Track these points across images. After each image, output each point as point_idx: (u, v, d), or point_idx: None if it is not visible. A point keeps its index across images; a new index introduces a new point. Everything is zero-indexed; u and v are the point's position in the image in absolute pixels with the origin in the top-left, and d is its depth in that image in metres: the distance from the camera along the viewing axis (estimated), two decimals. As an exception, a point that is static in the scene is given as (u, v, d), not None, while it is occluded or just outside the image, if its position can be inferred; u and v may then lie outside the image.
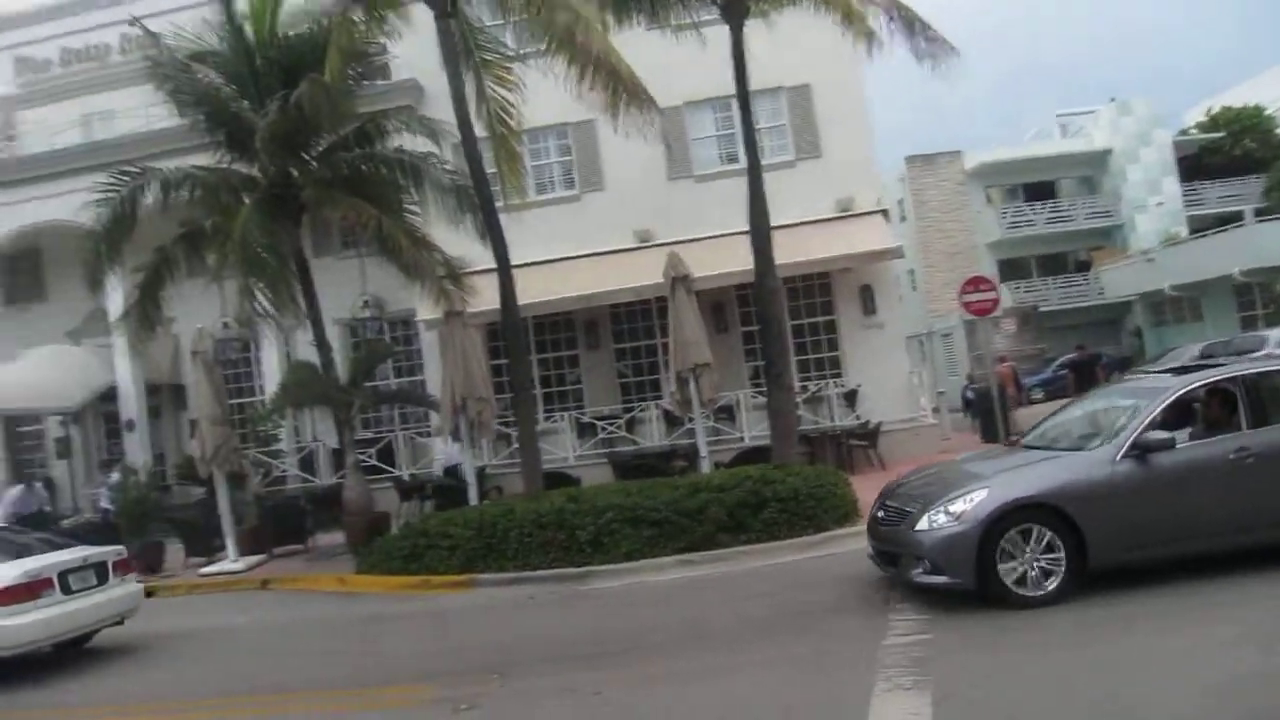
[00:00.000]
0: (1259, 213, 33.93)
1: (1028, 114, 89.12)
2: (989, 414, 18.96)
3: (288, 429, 20.35)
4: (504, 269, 12.98)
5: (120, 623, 9.92)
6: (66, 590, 9.05)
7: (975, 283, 17.93)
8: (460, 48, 13.01)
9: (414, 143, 15.45)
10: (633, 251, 18.90)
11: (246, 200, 14.06)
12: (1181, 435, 7.70)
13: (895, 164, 40.82)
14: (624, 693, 6.38)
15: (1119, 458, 7.35)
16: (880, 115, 68.87)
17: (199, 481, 16.92)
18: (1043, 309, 35.70)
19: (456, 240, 15.42)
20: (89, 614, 9.28)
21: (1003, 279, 36.05)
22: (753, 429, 17.69)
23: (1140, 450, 7.34)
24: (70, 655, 9.67)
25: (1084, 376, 24.67)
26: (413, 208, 15.36)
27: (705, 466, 13.53)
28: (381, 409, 20.09)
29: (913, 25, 12.60)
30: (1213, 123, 41.92)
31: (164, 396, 22.34)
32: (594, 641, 7.93)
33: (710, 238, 17.70)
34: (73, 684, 8.62)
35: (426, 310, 16.96)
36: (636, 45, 12.89)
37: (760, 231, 12.75)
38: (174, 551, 15.52)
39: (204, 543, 15.29)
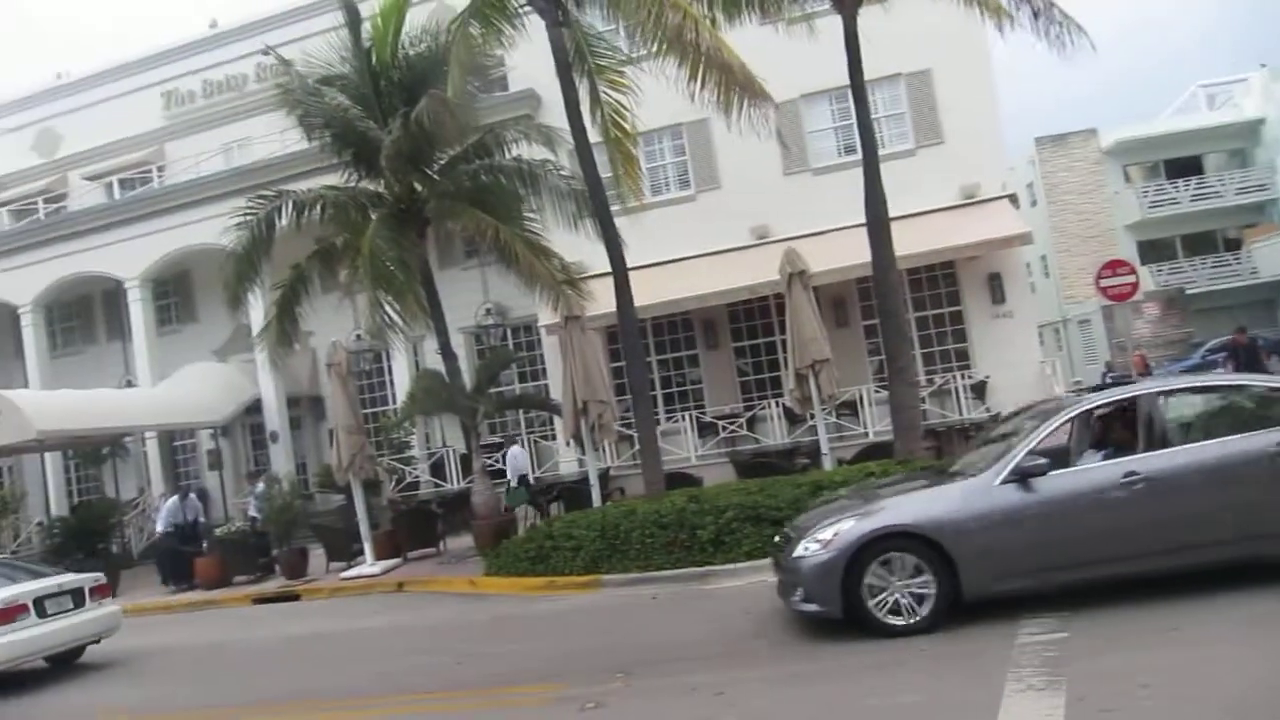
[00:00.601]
0: None
1: (1167, 86, 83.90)
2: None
3: (418, 436, 21.07)
4: (620, 272, 13.08)
5: (97, 641, 10.97)
6: (42, 614, 10.14)
7: (1113, 266, 17.05)
8: (573, 55, 13.20)
9: (531, 151, 15.80)
10: (750, 249, 18.78)
11: (374, 216, 14.64)
12: (1095, 458, 7.35)
13: (1024, 146, 39.23)
14: (746, 693, 6.32)
15: (998, 484, 7.12)
16: (1006, 95, 66.28)
17: (337, 489, 17.70)
18: (1189, 291, 33.62)
19: (575, 244, 15.68)
20: (65, 634, 10.38)
21: (1143, 261, 34.21)
22: (876, 424, 17.29)
23: (1019, 476, 7.07)
24: (198, 657, 10.25)
25: (1246, 363, 22.75)
26: (531, 215, 15.67)
27: (827, 463, 13.30)
28: (506, 414, 20.57)
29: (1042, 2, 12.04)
30: (1381, 83, 38.56)
31: (304, 408, 23.50)
32: (716, 641, 7.88)
33: (828, 231, 17.42)
34: (222, 682, 9.14)
35: (547, 315, 17.27)
36: (749, 41, 12.78)
37: (878, 223, 12.43)
38: (316, 557, 16.23)
39: (344, 548, 15.94)
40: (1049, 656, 6.05)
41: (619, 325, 13.72)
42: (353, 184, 15.58)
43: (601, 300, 14.94)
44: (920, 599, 6.99)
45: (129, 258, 22.70)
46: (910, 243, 15.09)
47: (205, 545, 16.99)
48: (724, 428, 18.71)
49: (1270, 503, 6.83)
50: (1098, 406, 7.64)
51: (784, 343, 15.95)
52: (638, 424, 13.43)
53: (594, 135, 13.23)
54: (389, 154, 13.97)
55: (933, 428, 16.16)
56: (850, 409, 17.99)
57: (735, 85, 11.73)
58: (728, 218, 19.12)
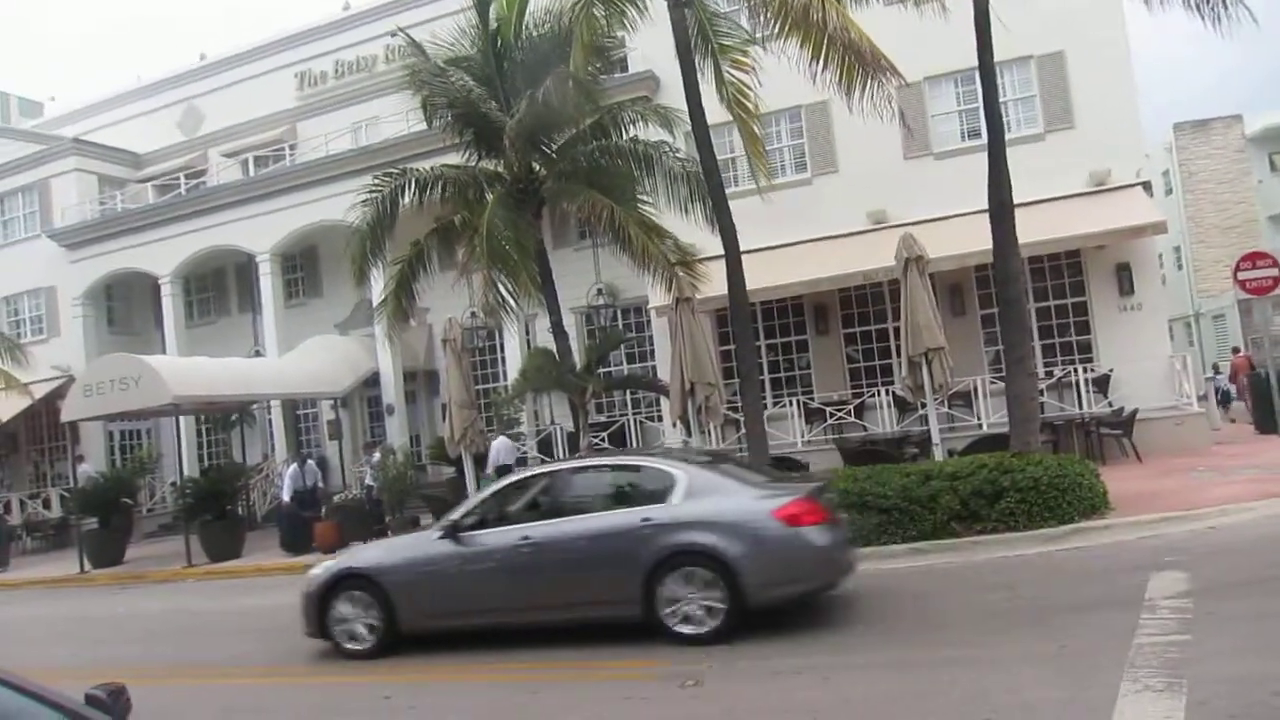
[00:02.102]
0: None
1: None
2: (1265, 402, 17.16)
3: (527, 413, 21.51)
4: (732, 255, 13.05)
5: None
6: None
7: (1253, 258, 16.18)
8: (694, 35, 13.18)
9: (647, 133, 15.87)
10: (866, 234, 18.44)
11: (491, 196, 14.98)
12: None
13: (1161, 132, 37.33)
14: (852, 677, 6.32)
15: (436, 537, 8.55)
16: (1146, 80, 62.94)
17: (449, 461, 18.25)
18: (1340, 287, 31.42)
19: (687, 228, 15.70)
20: None
21: (1288, 254, 32.11)
22: (991, 416, 16.81)
23: (450, 532, 8.44)
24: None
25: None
26: (644, 197, 15.77)
27: (938, 454, 13.04)
28: (614, 394, 20.80)
29: None
30: None
31: (419, 382, 24.27)
32: (824, 629, 7.84)
33: (948, 217, 16.96)
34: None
35: (657, 297, 17.37)
36: (874, 21, 12.50)
37: (1001, 207, 12.04)
38: (427, 525, 16.66)
39: (454, 517, 16.40)
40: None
41: (730, 308, 13.69)
42: (472, 164, 15.97)
43: (713, 283, 14.93)
44: (372, 628, 8.50)
45: (261, 232, 23.81)
46: (1034, 230, 14.58)
47: (324, 511, 17.77)
48: (831, 414, 18.50)
49: (626, 571, 7.62)
50: (526, 478, 9.15)
51: (896, 330, 15.69)
52: (744, 407, 13.41)
53: (711, 118, 13.19)
54: (511, 134, 14.25)
55: (1050, 421, 15.62)
56: (964, 399, 17.54)
57: (860, 65, 11.48)
58: (844, 202, 18.81)
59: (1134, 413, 16.12)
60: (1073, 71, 17.89)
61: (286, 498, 18.21)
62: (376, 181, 15.86)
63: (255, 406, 24.62)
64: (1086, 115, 17.74)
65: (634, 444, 20.04)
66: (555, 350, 15.81)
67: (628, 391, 20.86)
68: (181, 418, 23.32)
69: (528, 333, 21.40)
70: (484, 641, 8.31)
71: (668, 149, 15.33)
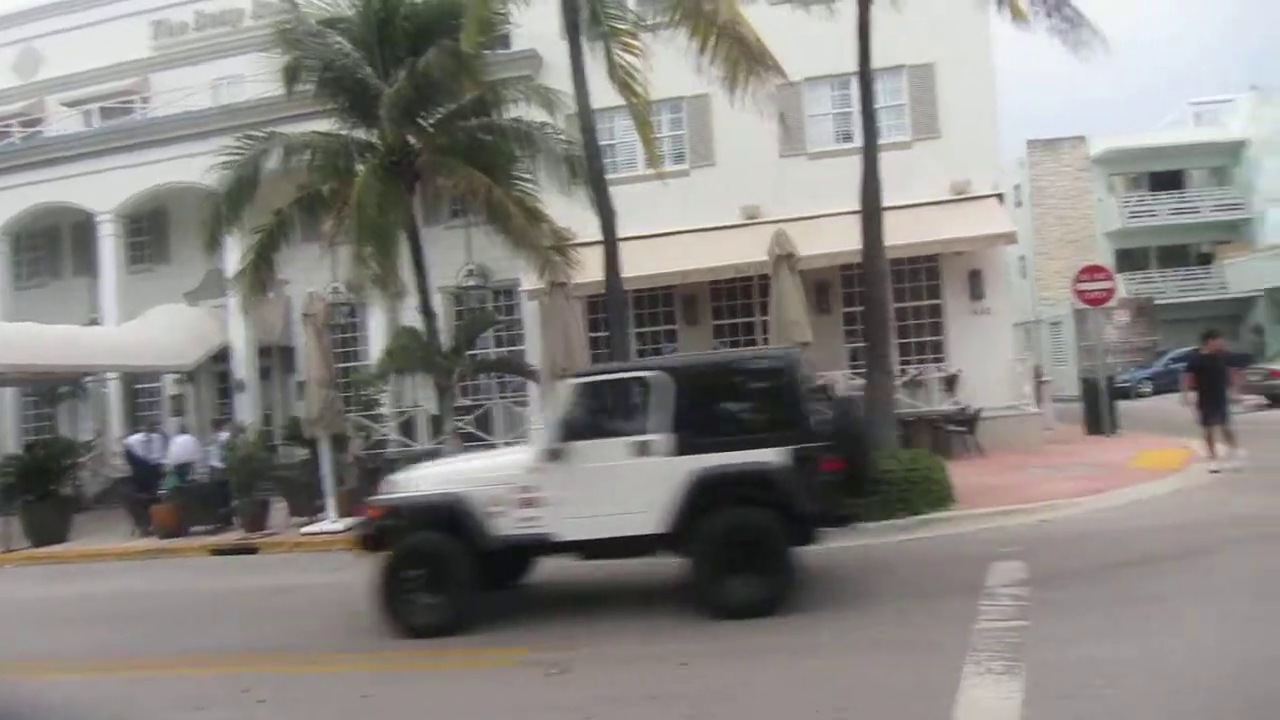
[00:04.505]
0: None
1: (1163, 100, 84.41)
2: (1094, 406, 18.49)
3: (390, 394, 20.92)
4: (610, 241, 13.02)
5: None
6: None
7: (1091, 271, 17.33)
8: (585, 16, 13.02)
9: (530, 113, 15.62)
10: (739, 228, 18.74)
11: (363, 167, 14.44)
12: None
13: (1015, 147, 39.50)
14: (710, 665, 6.42)
15: None
16: (1007, 98, 66.38)
17: (304, 442, 17.51)
18: (1159, 301, 34.16)
19: (564, 212, 15.55)
20: None
21: (1119, 269, 34.61)
22: (849, 412, 17.38)
23: None
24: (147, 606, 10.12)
25: (1209, 381, 14.17)
26: (525, 177, 15.51)
27: (801, 447, 13.36)
28: (481, 378, 20.47)
29: (1060, 5, 12.08)
30: (1361, 114, 39.21)
31: (274, 358, 23.16)
32: (683, 616, 7.89)
33: (819, 217, 17.40)
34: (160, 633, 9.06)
35: (530, 280, 17.17)
36: (759, 19, 12.67)
37: (871, 211, 12.46)
38: (278, 510, 16.02)
39: (307, 502, 15.72)
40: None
41: (606, 295, 13.65)
42: (344, 132, 15.34)
43: (587, 268, 14.85)
44: None
45: (104, 190, 22.14)
46: (899, 234, 15.09)
47: (161, 493, 16.69)
48: (698, 405, 18.72)
49: None
50: None
51: (765, 324, 16.02)
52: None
53: (601, 102, 13.08)
54: (389, 104, 13.74)
55: (902, 417, 16.29)
56: (824, 394, 18.06)
57: (746, 60, 11.65)
58: (720, 196, 19.07)
59: (979, 411, 17.03)
60: (941, 84, 18.68)
61: (171, 465, 17.02)
62: (238, 143, 15.01)
63: (89, 379, 22.99)
64: (951, 127, 18.57)
65: (502, 429, 19.77)
66: (423, 330, 15.42)
67: (495, 375, 20.57)
68: (4, 389, 21.54)
69: (394, 311, 20.77)
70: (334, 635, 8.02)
71: (550, 130, 15.12)
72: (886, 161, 13.44)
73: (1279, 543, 8.87)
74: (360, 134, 15.26)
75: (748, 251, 16.46)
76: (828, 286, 18.96)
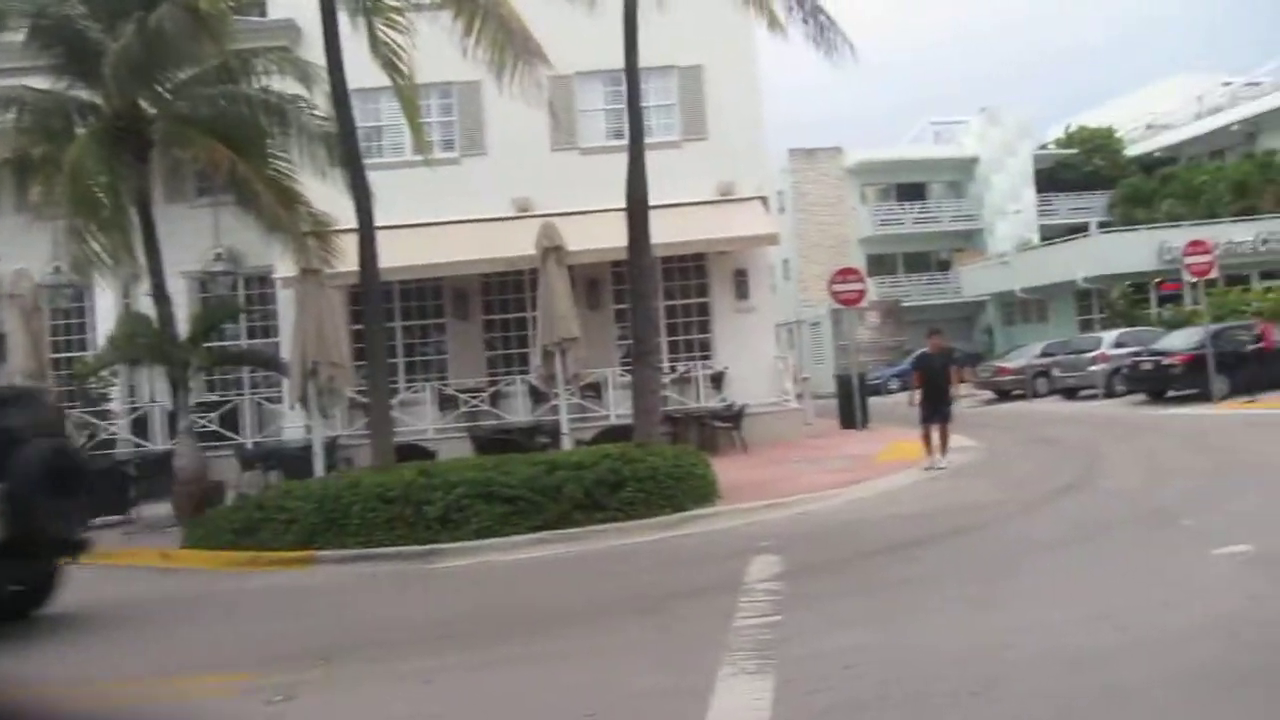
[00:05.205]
0: (1102, 225, 36.36)
1: (914, 118, 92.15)
2: (849, 402, 19.59)
3: (121, 388, 18.87)
4: (366, 226, 12.20)
5: None
6: None
7: (845, 274, 18.27)
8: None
9: (285, 86, 14.43)
10: (510, 220, 18.27)
11: (82, 130, 12.82)
12: None
13: (779, 155, 41.44)
14: (457, 679, 5.95)
15: None
16: (772, 106, 69.91)
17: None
18: (905, 304, 36.93)
19: (329, 196, 14.47)
20: None
21: (871, 274, 37.00)
22: (618, 407, 17.42)
23: None
24: None
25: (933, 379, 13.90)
26: (279, 155, 14.34)
27: (567, 443, 13.18)
28: (232, 371, 18.87)
29: (815, 12, 12.50)
30: (1069, 140, 44.25)
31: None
32: (435, 624, 7.46)
33: (591, 212, 17.21)
34: None
35: (286, 268, 15.94)
36: (532, 8, 12.30)
37: (637, 204, 12.42)
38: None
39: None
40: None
41: (362, 284, 12.84)
42: (61, 89, 13.55)
43: (348, 258, 13.91)
44: None
45: None
46: (667, 232, 15.21)
47: None
48: (466, 401, 18.17)
49: None
50: None
51: (535, 319, 15.69)
52: (370, 389, 12.66)
53: (358, 82, 12.30)
54: (115, 61, 12.15)
55: (671, 414, 16.52)
56: (595, 391, 18.03)
57: (511, 45, 11.29)
58: (491, 187, 18.51)
59: (744, 407, 17.53)
60: (709, 86, 19.08)
61: None
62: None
63: None
64: (719, 129, 19.00)
65: (251, 427, 18.30)
66: (156, 317, 13.90)
67: (246, 369, 19.03)
68: None
69: (128, 295, 18.74)
70: None
71: (304, 104, 14.03)
72: (656, 160, 13.48)
73: (1009, 526, 9.56)
74: (82, 93, 13.53)
75: (519, 245, 16.04)
76: (599, 284, 18.91)
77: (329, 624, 7.82)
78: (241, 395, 18.92)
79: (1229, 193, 34.18)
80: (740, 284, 19.18)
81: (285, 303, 18.22)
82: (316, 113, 14.04)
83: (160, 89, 13.67)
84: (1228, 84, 41.32)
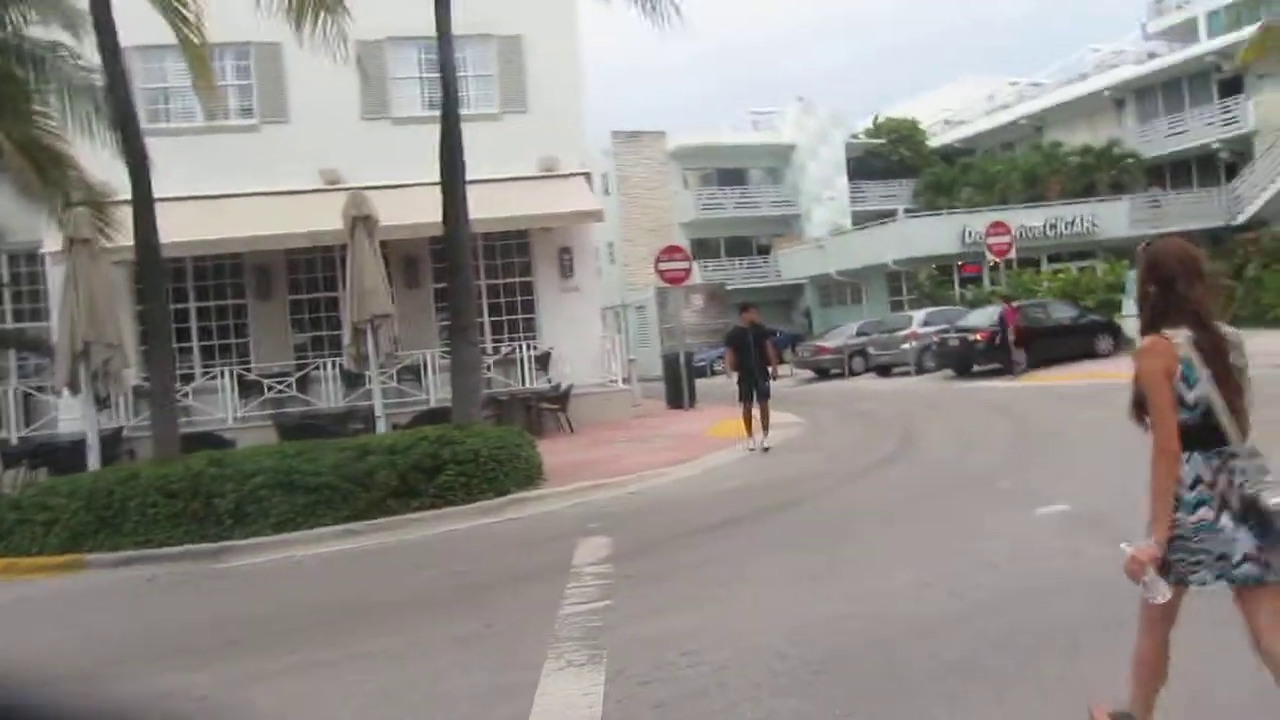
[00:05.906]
0: (908, 211, 38.31)
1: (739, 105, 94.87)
2: (675, 382, 19.49)
3: None
4: (142, 192, 10.93)
5: None
6: None
7: (671, 251, 18.11)
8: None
9: (50, 34, 12.76)
10: (317, 193, 16.95)
11: None
12: None
13: (603, 137, 41.16)
14: (241, 692, 5.17)
15: None
16: (597, 89, 69.83)
17: None
18: (729, 287, 37.57)
19: (110, 163, 12.91)
20: None
21: (695, 257, 37.44)
22: (439, 391, 16.57)
23: None
24: None
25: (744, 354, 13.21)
26: (42, 111, 12.69)
27: (382, 429, 12.28)
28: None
29: None
30: (878, 130, 46.29)
31: None
32: (222, 630, 6.57)
33: (407, 186, 16.21)
34: None
35: (55, 242, 14.16)
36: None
37: (451, 172, 11.66)
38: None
39: None
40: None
41: (138, 259, 11.51)
42: None
43: (131, 230, 12.46)
44: None
45: None
46: (487, 207, 14.56)
47: None
48: (271, 387, 16.82)
49: None
50: None
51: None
52: (151, 373, 11.37)
53: (144, 38, 10.99)
54: None
55: (496, 396, 15.87)
56: (414, 374, 17.11)
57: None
58: (295, 156, 17.12)
59: (570, 388, 17.07)
60: (529, 57, 18.41)
61: None
62: None
63: None
64: (539, 102, 18.37)
65: (17, 420, 16.27)
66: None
67: (20, 356, 16.96)
68: None
69: None
70: None
71: (68, 55, 12.42)
72: (474, 132, 12.81)
73: (836, 497, 9.53)
74: None
75: (326, 219, 14.86)
76: (417, 261, 17.96)
77: (87, 636, 6.76)
78: (5, 385, 16.82)
79: (1020, 182, 36.55)
80: (565, 262, 18.67)
81: (57, 281, 16.28)
82: (84, 64, 12.49)
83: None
84: (1014, 83, 44.73)
